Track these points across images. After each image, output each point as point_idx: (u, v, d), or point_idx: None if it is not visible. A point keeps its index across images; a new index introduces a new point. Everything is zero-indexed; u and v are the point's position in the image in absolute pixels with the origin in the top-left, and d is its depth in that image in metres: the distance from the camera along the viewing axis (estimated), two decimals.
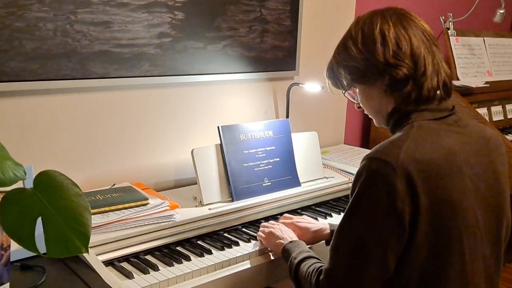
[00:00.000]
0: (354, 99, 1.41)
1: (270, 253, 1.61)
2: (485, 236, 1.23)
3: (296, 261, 1.40)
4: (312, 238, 1.62)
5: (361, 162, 1.21)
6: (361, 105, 1.38)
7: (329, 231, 1.62)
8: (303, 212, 1.93)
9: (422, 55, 1.23)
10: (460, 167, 1.19)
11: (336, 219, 1.89)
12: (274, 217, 1.87)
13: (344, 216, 1.23)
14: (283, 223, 1.67)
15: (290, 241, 1.51)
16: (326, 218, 1.89)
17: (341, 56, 1.32)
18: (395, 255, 1.17)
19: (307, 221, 1.69)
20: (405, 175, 1.13)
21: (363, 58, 1.26)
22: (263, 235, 1.61)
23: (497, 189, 1.26)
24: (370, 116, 1.40)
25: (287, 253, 1.47)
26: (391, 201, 1.13)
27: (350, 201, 1.21)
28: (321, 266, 1.30)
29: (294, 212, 1.93)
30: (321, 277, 1.26)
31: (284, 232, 1.58)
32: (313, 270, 1.31)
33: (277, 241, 1.54)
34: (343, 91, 1.41)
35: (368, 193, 1.17)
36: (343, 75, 1.34)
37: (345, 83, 1.36)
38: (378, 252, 1.16)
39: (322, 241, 1.63)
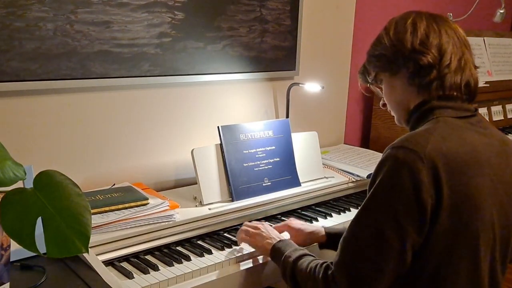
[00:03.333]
0: (380, 94, 1.43)
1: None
2: (498, 239, 1.23)
3: (291, 259, 1.36)
4: (307, 239, 1.60)
5: (385, 151, 1.21)
6: (384, 99, 1.40)
7: (323, 233, 1.59)
8: (303, 212, 1.93)
9: (449, 49, 1.25)
10: (482, 166, 1.20)
11: (336, 219, 1.89)
12: (274, 217, 1.87)
13: (363, 206, 1.21)
14: (276, 227, 1.64)
15: (280, 240, 1.48)
16: (326, 218, 1.89)
17: (372, 47, 1.36)
18: (412, 248, 1.16)
19: (300, 223, 1.67)
20: (432, 166, 1.13)
21: (391, 45, 1.29)
22: (248, 236, 1.55)
23: None
24: (392, 113, 1.41)
25: (278, 252, 1.43)
26: (416, 191, 1.13)
27: (371, 191, 1.19)
28: (324, 262, 1.28)
29: (294, 212, 1.93)
30: (330, 271, 1.23)
31: (270, 232, 1.55)
32: (316, 266, 1.28)
33: (265, 241, 1.50)
34: (370, 84, 1.42)
35: (392, 182, 1.15)
36: (372, 65, 1.37)
37: (372, 74, 1.38)
38: (397, 244, 1.15)
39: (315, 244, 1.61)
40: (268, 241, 1.50)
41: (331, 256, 1.32)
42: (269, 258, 1.54)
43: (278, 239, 1.49)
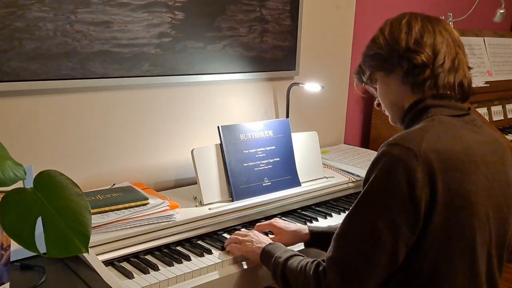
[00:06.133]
0: (375, 94, 1.44)
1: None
2: (494, 236, 1.23)
3: (281, 259, 1.37)
4: (291, 237, 1.59)
5: (380, 148, 1.21)
6: (379, 98, 1.40)
7: (307, 231, 1.59)
8: (303, 212, 1.93)
9: (443, 50, 1.27)
10: (477, 163, 1.20)
11: (336, 219, 1.89)
12: (274, 217, 1.86)
13: (356, 202, 1.21)
14: (259, 225, 1.66)
15: (270, 243, 1.49)
16: (326, 218, 1.90)
17: (368, 48, 1.37)
18: (406, 246, 1.17)
19: (284, 222, 1.67)
20: (426, 164, 1.14)
21: (386, 44, 1.30)
22: (237, 243, 1.55)
23: (507, 192, 1.26)
24: (386, 113, 1.41)
25: (268, 255, 1.44)
26: (410, 188, 1.13)
27: (365, 187, 1.20)
28: (315, 259, 1.29)
29: (294, 212, 1.93)
30: (321, 267, 1.23)
31: (260, 237, 1.55)
32: (306, 264, 1.29)
33: (255, 246, 1.50)
34: (365, 83, 1.43)
35: (387, 179, 1.16)
36: (367, 65, 1.38)
37: (367, 73, 1.38)
38: (390, 241, 1.15)
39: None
40: (257, 245, 1.50)
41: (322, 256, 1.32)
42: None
43: (268, 243, 1.50)
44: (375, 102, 1.44)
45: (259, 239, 1.53)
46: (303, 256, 1.37)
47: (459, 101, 1.29)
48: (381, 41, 1.31)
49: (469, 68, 1.32)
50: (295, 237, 1.60)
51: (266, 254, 1.45)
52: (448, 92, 1.27)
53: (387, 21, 1.35)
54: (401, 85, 1.30)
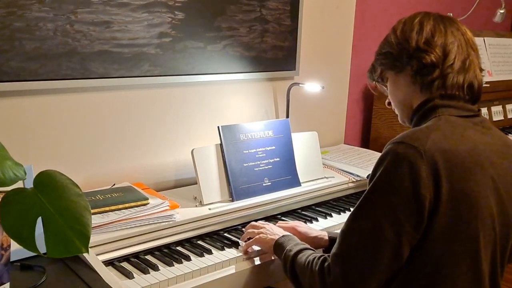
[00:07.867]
0: (386, 92, 1.44)
1: (261, 255, 1.58)
2: (499, 238, 1.23)
3: (292, 253, 1.38)
4: (311, 243, 1.57)
5: (386, 146, 1.21)
6: (389, 97, 1.41)
7: (327, 238, 1.60)
8: (303, 212, 1.93)
9: (453, 50, 1.27)
10: (483, 164, 1.20)
11: (336, 219, 1.89)
12: (274, 217, 1.87)
13: (361, 199, 1.22)
14: (281, 224, 1.66)
15: (283, 236, 1.50)
16: (326, 218, 1.89)
17: (380, 46, 1.38)
18: (409, 244, 1.17)
19: (306, 227, 1.68)
20: (431, 163, 1.14)
21: (397, 43, 1.31)
22: (254, 234, 1.58)
23: None
24: (396, 112, 1.42)
25: (280, 247, 1.45)
26: (415, 186, 1.14)
27: (370, 184, 1.21)
28: (322, 255, 1.30)
29: (294, 212, 1.93)
30: (326, 263, 1.24)
31: (274, 229, 1.57)
32: (313, 259, 1.30)
33: (269, 237, 1.53)
34: (376, 81, 1.44)
35: (392, 177, 1.16)
36: (378, 63, 1.39)
37: (378, 72, 1.40)
38: (393, 238, 1.15)
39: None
40: (271, 237, 1.52)
41: None
42: (272, 257, 1.56)
43: (282, 234, 1.51)
44: (386, 101, 1.45)
45: (273, 231, 1.56)
46: (313, 250, 1.39)
47: (468, 102, 1.29)
48: (393, 40, 1.32)
49: (481, 70, 1.32)
50: (314, 243, 1.59)
51: (278, 246, 1.47)
52: (457, 93, 1.27)
53: (400, 20, 1.36)
54: (410, 84, 1.31)
